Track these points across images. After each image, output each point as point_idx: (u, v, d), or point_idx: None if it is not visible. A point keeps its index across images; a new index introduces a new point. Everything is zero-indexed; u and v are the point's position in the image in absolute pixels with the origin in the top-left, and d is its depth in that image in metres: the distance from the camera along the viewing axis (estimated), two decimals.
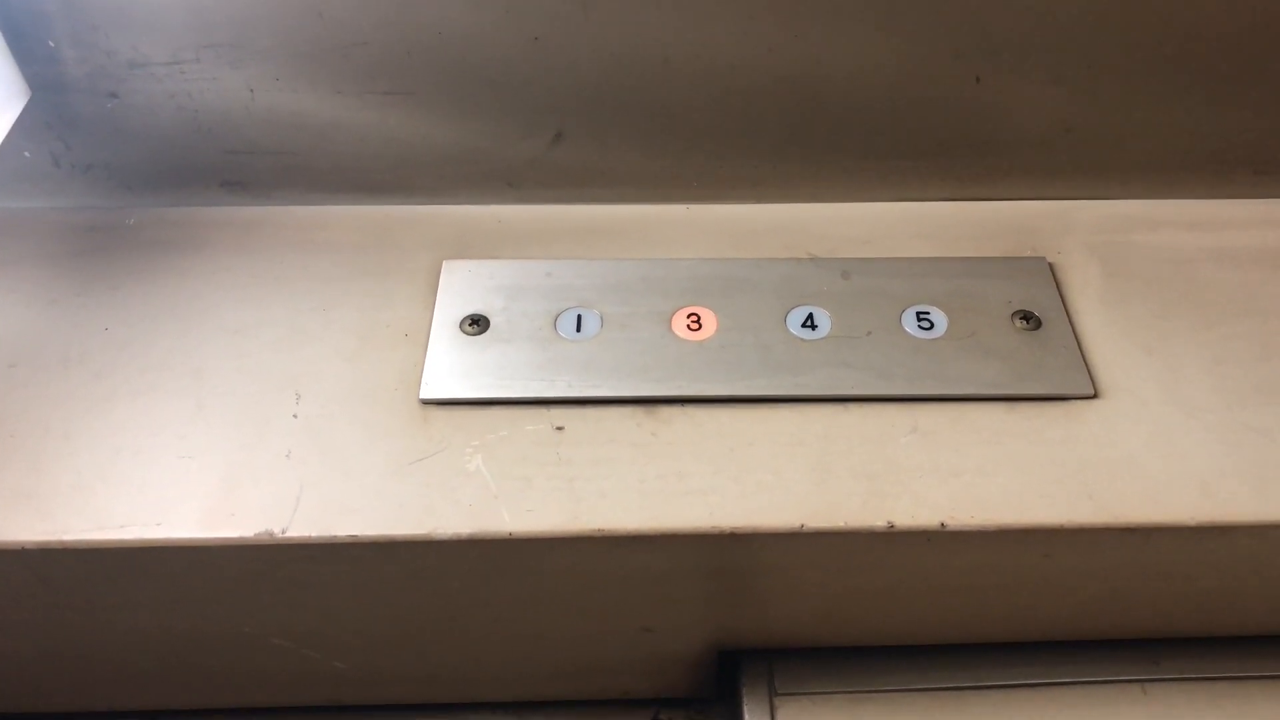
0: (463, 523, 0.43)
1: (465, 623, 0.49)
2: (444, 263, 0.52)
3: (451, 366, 0.48)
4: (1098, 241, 0.54)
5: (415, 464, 0.45)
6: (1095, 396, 0.47)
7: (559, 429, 0.46)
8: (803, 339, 0.49)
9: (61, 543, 0.42)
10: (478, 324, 0.49)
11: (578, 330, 0.49)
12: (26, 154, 0.53)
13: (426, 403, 0.47)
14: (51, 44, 0.48)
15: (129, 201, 0.55)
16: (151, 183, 0.54)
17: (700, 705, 0.55)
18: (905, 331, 0.49)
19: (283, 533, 0.42)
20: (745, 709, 0.49)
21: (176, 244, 0.54)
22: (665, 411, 0.47)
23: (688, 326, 0.49)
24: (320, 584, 0.45)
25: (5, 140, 0.48)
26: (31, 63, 0.49)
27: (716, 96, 0.52)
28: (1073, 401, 0.47)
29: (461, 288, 0.51)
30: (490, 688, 0.55)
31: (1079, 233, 0.55)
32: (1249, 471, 0.45)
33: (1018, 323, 0.50)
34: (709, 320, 0.50)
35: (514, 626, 0.49)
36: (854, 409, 0.47)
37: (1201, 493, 0.44)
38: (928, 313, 0.50)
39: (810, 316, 0.50)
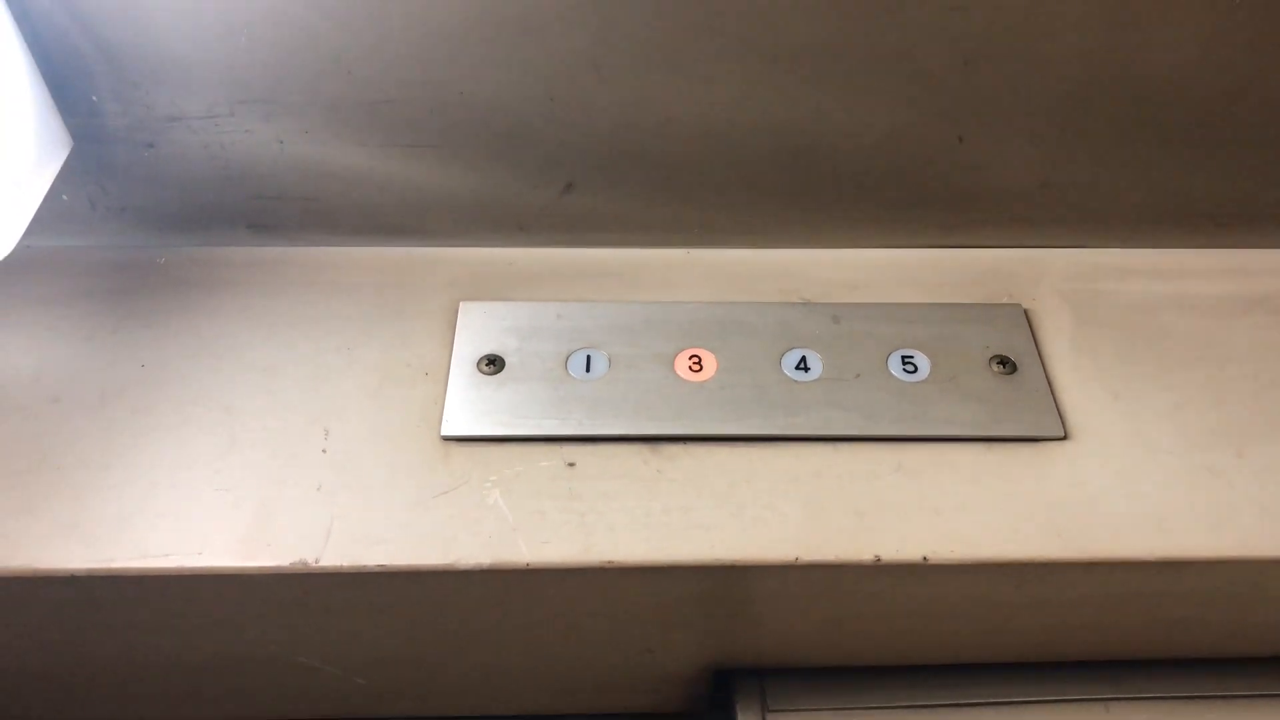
0: (483, 554, 0.46)
1: (479, 642, 0.52)
2: (461, 304, 0.55)
3: (470, 404, 0.51)
4: (1070, 289, 0.58)
5: (438, 497, 0.48)
6: (1065, 438, 0.51)
7: (571, 465, 0.50)
8: (797, 380, 0.53)
9: (108, 570, 0.45)
10: (494, 364, 0.53)
11: (587, 370, 0.53)
12: (65, 197, 0.55)
13: (447, 439, 0.50)
14: (95, 98, 0.51)
15: (160, 242, 0.58)
16: (182, 225, 0.57)
17: None
18: (891, 374, 0.53)
19: (316, 562, 0.46)
20: None
21: (205, 283, 0.57)
22: (670, 449, 0.50)
23: (689, 367, 0.53)
24: (347, 608, 0.49)
25: None
26: (75, 115, 0.52)
27: (716, 151, 0.55)
28: (1045, 443, 0.51)
29: (477, 328, 0.54)
30: (499, 701, 0.58)
31: (1053, 280, 0.59)
32: (1204, 510, 0.49)
33: (995, 367, 0.54)
34: (709, 362, 0.53)
35: (524, 647, 0.53)
36: (844, 448, 0.51)
37: (1160, 530, 0.48)
38: (912, 356, 0.54)
39: (803, 359, 0.54)
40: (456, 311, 0.55)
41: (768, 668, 0.55)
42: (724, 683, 0.55)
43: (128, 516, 0.47)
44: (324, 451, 0.50)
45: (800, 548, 0.47)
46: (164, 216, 0.57)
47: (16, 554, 0.45)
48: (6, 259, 0.48)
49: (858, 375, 0.53)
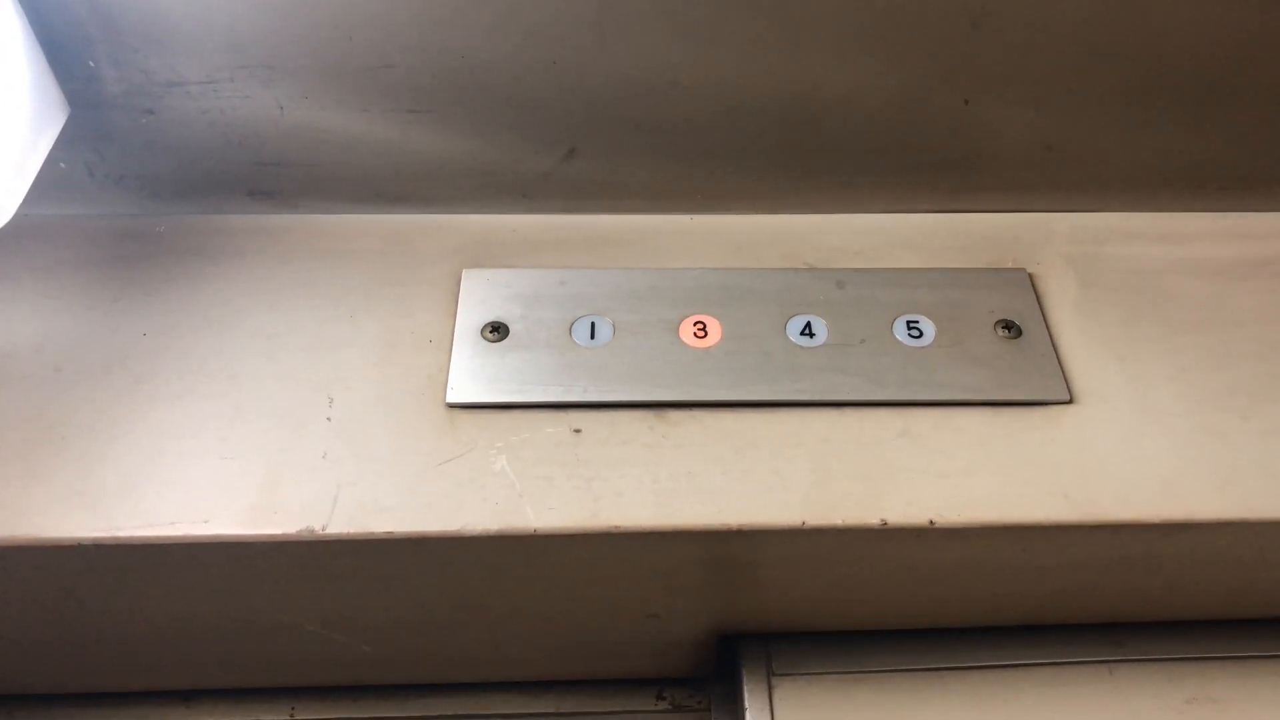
0: (490, 520, 0.46)
1: (486, 609, 0.52)
2: (464, 271, 0.55)
3: (475, 372, 0.51)
4: (1074, 253, 0.58)
5: (444, 465, 0.48)
6: (1071, 402, 0.51)
7: (577, 431, 0.50)
8: (801, 346, 0.53)
9: (115, 539, 0.45)
10: (498, 331, 0.53)
11: (591, 337, 0.53)
12: (62, 165, 0.55)
13: (453, 406, 0.50)
14: (92, 64, 0.51)
15: (159, 210, 0.58)
16: (181, 192, 0.57)
17: (701, 685, 0.59)
18: (896, 339, 0.53)
19: (323, 530, 0.46)
20: (745, 688, 0.53)
21: (206, 251, 0.56)
22: (675, 415, 0.50)
23: (694, 334, 0.53)
24: (353, 575, 0.49)
25: None
26: (72, 81, 0.51)
27: (720, 115, 0.55)
28: (1050, 406, 0.51)
29: (481, 295, 0.54)
30: (506, 668, 0.58)
31: (1057, 244, 0.58)
32: (1208, 472, 0.49)
33: (1000, 331, 0.53)
34: (714, 328, 0.53)
35: (531, 613, 0.53)
36: (849, 413, 0.51)
37: (1165, 492, 0.48)
38: (917, 321, 0.54)
39: (808, 325, 0.53)
40: (459, 279, 0.55)
41: (773, 633, 0.55)
42: (730, 648, 0.56)
43: (134, 485, 0.47)
44: (329, 419, 0.50)
45: (807, 512, 0.47)
46: (163, 184, 0.57)
47: (22, 523, 0.45)
48: (5, 228, 0.48)
49: (863, 340, 0.53)
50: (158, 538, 0.46)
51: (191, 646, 0.54)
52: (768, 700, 0.52)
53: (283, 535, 0.46)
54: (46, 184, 0.56)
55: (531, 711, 0.58)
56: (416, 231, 0.58)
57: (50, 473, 0.47)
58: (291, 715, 0.58)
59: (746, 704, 0.52)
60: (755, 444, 0.49)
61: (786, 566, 0.50)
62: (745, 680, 0.53)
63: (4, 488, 0.46)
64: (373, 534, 0.46)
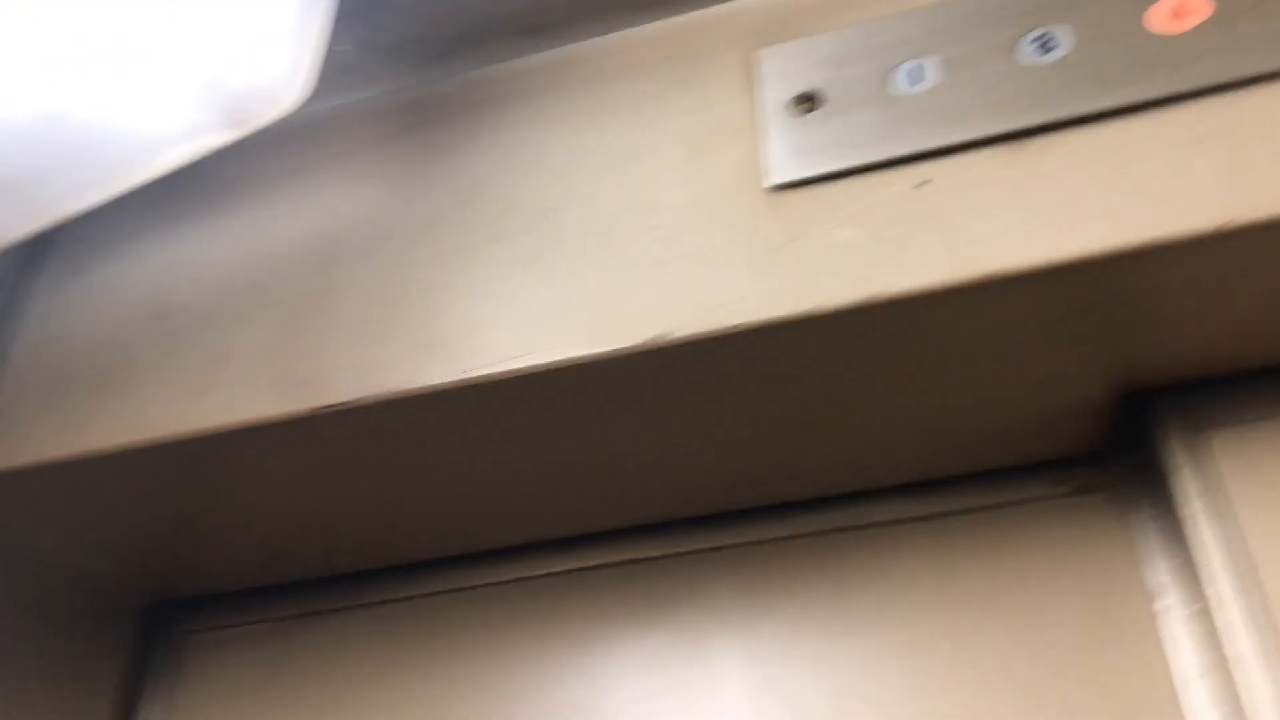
0: (848, 292, 0.41)
1: (844, 408, 0.48)
2: (760, 50, 0.50)
3: (791, 149, 0.46)
4: None
5: (780, 248, 0.44)
6: None
7: (922, 184, 0.44)
8: (1170, 34, 0.43)
9: (465, 380, 0.45)
10: (808, 100, 0.47)
11: (917, 82, 0.46)
12: (337, 48, 0.54)
13: (775, 189, 0.45)
14: None
15: (439, 73, 0.57)
16: (454, 48, 0.56)
17: (1105, 459, 0.51)
18: None
19: (672, 335, 0.43)
20: (1169, 452, 0.45)
21: (493, 101, 0.54)
22: (1035, 143, 0.43)
23: (1039, 49, 0.45)
24: (698, 385, 0.46)
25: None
26: None
27: None
28: None
29: (782, 72, 0.49)
30: (869, 472, 0.53)
31: None
32: None
33: None
34: (1064, 35, 0.45)
35: (897, 400, 0.47)
36: (1258, 91, 0.41)
37: None
38: None
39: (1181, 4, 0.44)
40: (754, 64, 0.50)
41: (1193, 381, 0.47)
42: (1138, 409, 0.48)
43: (475, 328, 0.46)
44: (654, 228, 0.46)
45: (1224, 214, 0.39)
46: (435, 45, 0.55)
47: (378, 380, 0.46)
48: (304, 120, 0.48)
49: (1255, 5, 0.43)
50: (510, 372, 0.44)
51: (512, 495, 0.53)
52: (1209, 458, 0.44)
53: (631, 347, 0.43)
54: (326, 72, 0.56)
55: (911, 515, 0.53)
56: (696, 29, 0.53)
57: (392, 333, 0.47)
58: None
59: (1176, 468, 0.45)
60: (1140, 154, 0.41)
61: (1201, 288, 0.42)
62: (1168, 443, 0.45)
63: (351, 351, 0.47)
64: (723, 328, 0.42)
